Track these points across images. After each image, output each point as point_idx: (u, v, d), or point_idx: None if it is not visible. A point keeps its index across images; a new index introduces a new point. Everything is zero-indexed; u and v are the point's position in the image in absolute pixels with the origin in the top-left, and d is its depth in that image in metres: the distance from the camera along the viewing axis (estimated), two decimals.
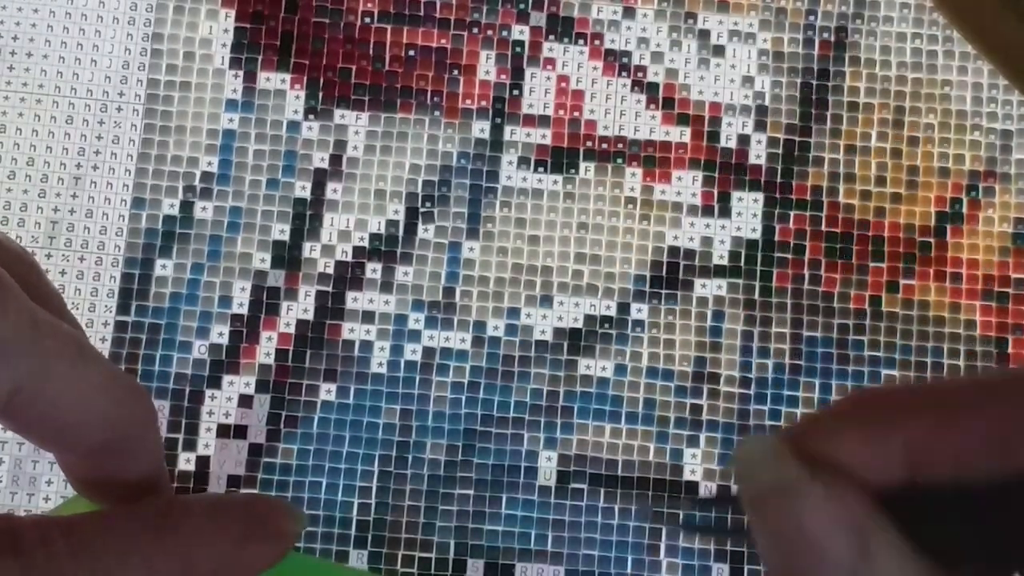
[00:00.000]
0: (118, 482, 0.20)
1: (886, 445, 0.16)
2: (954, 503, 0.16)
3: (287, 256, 0.43)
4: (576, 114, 0.44)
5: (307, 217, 0.43)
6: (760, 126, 0.45)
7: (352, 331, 0.42)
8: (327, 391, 0.42)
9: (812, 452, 0.16)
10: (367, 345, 0.42)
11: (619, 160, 0.44)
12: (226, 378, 0.42)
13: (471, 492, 0.41)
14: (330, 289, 0.43)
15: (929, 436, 0.16)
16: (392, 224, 0.43)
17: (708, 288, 0.44)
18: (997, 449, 0.16)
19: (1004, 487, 0.16)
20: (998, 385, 0.16)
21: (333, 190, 0.43)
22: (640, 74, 0.45)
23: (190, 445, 0.41)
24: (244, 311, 0.42)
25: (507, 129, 0.44)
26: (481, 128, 0.44)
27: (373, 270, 0.43)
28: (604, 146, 0.44)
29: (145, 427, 0.20)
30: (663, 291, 0.43)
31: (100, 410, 0.18)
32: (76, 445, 0.19)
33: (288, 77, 0.44)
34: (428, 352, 0.42)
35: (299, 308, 0.42)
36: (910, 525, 0.16)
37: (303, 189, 0.43)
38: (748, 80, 0.45)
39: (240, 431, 0.41)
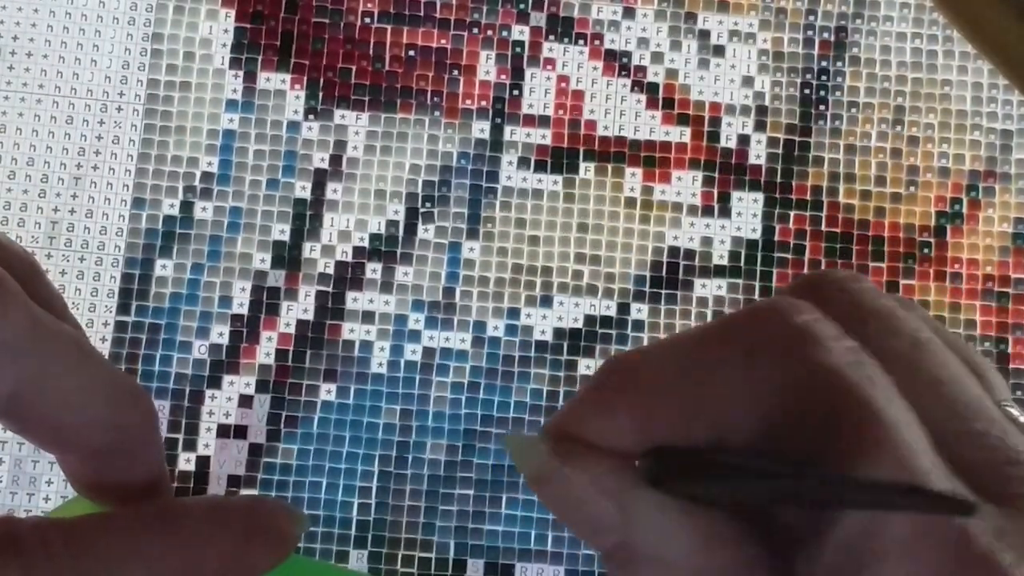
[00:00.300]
0: (119, 483, 0.20)
1: (618, 421, 0.18)
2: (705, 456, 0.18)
3: (287, 256, 0.43)
4: (576, 114, 0.44)
5: (307, 217, 0.43)
6: (760, 126, 0.45)
7: (352, 331, 0.42)
8: (327, 391, 0.42)
9: (566, 435, 0.18)
10: (367, 345, 0.42)
11: (619, 160, 0.44)
12: (226, 378, 0.42)
13: (471, 492, 0.41)
14: (330, 289, 0.43)
15: (644, 412, 0.18)
16: (392, 224, 0.43)
17: (708, 288, 0.44)
18: (689, 422, 0.17)
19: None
20: (676, 352, 0.18)
21: (333, 190, 0.43)
22: (640, 74, 0.45)
23: (190, 445, 0.41)
24: (244, 311, 0.42)
25: (507, 129, 0.44)
26: (481, 128, 0.44)
27: (373, 270, 0.43)
28: (604, 146, 0.44)
29: (146, 429, 0.20)
30: (663, 291, 0.43)
31: (101, 412, 0.18)
32: (77, 447, 0.19)
33: (288, 77, 0.44)
34: (428, 352, 0.42)
35: (299, 308, 0.42)
36: (675, 480, 0.17)
37: (303, 189, 0.43)
38: (748, 80, 0.45)
39: (240, 431, 0.41)
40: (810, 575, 0.16)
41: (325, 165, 0.43)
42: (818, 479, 0.16)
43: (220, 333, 0.42)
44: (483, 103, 0.44)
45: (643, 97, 0.45)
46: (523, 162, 0.44)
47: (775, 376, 0.17)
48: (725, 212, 0.44)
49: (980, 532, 0.15)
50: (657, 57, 0.45)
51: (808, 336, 0.17)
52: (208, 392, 0.42)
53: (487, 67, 0.44)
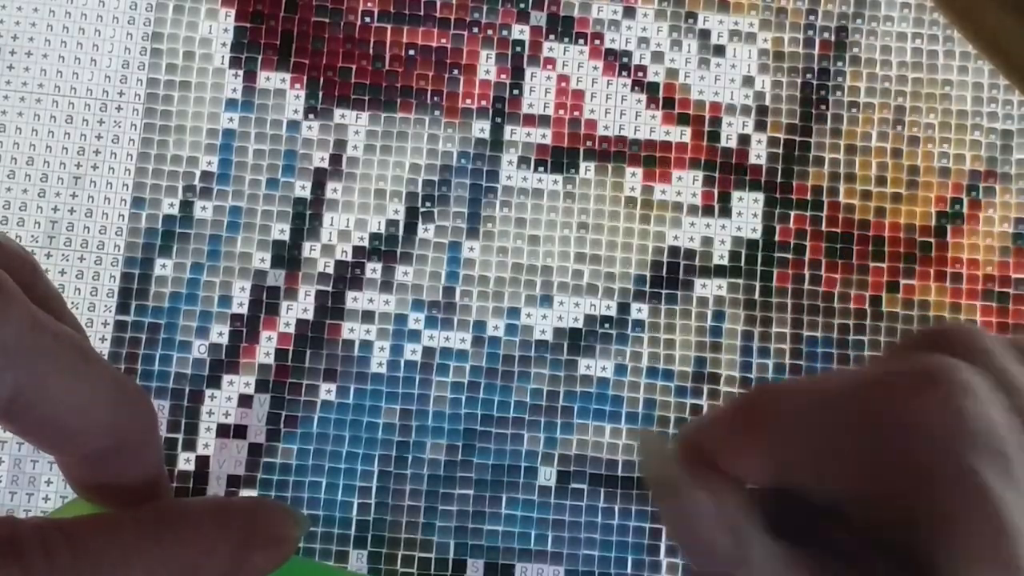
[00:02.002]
0: (118, 485, 0.20)
1: (754, 455, 0.18)
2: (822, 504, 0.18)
3: (287, 256, 0.43)
4: (576, 114, 0.44)
5: (307, 217, 0.43)
6: (760, 126, 0.45)
7: (352, 331, 0.42)
8: (327, 391, 0.42)
9: (696, 454, 0.19)
10: (367, 345, 0.42)
11: (619, 160, 0.44)
12: (226, 378, 0.42)
13: (471, 492, 0.41)
14: (330, 289, 0.43)
15: (782, 449, 0.18)
16: (392, 224, 0.43)
17: (708, 288, 0.44)
18: (813, 467, 0.18)
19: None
20: (829, 395, 0.18)
21: (333, 190, 0.43)
22: (640, 74, 0.45)
23: (190, 445, 0.41)
24: (244, 311, 0.42)
25: (507, 129, 0.44)
26: (481, 128, 0.44)
27: (373, 270, 0.43)
28: (604, 146, 0.44)
29: (146, 431, 0.20)
30: (663, 291, 0.43)
31: (101, 414, 0.18)
32: (77, 449, 0.19)
33: (288, 77, 0.44)
34: (428, 352, 0.42)
35: (299, 308, 0.42)
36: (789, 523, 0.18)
37: (303, 189, 0.43)
38: (748, 80, 0.45)
39: (240, 431, 0.41)
40: None
41: (325, 164, 0.43)
42: None
43: (220, 333, 0.42)
44: (483, 103, 0.44)
45: (643, 97, 0.45)
46: (523, 162, 0.44)
47: (913, 449, 0.16)
48: (725, 212, 0.44)
49: None
50: (657, 57, 0.45)
51: (965, 419, 0.16)
52: (208, 392, 0.42)
53: (487, 67, 0.44)
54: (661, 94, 0.45)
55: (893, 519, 0.17)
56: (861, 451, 0.17)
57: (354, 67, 0.44)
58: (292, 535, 0.20)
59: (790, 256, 0.44)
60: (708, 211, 0.44)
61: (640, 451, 0.19)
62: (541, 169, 0.44)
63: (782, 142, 0.45)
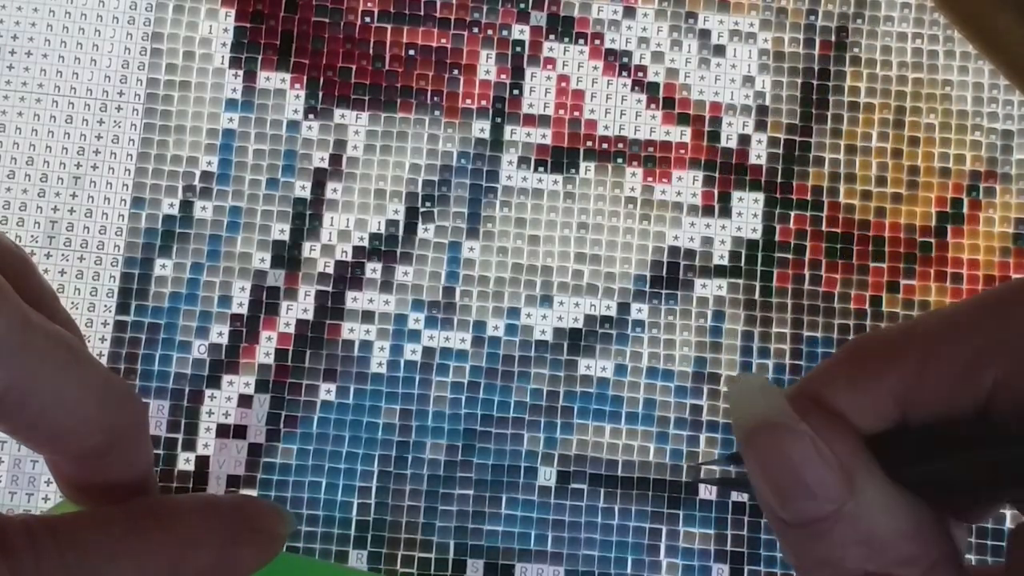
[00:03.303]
0: (107, 485, 0.20)
1: (874, 392, 0.17)
2: (940, 441, 0.17)
3: (287, 256, 0.43)
4: (576, 114, 0.44)
5: (307, 217, 0.43)
6: (760, 126, 0.45)
7: (352, 331, 0.42)
8: (327, 391, 0.42)
9: (807, 398, 0.18)
10: (367, 345, 0.42)
11: (619, 160, 0.44)
12: (226, 378, 0.42)
13: (471, 492, 0.41)
14: (330, 289, 0.43)
15: (911, 379, 0.17)
16: (392, 224, 0.43)
17: (708, 288, 0.44)
18: (965, 380, 0.17)
19: (977, 422, 0.17)
20: (962, 316, 0.18)
21: (333, 190, 0.43)
22: (640, 74, 0.45)
23: (189, 445, 0.41)
24: (244, 311, 0.42)
25: (507, 129, 0.44)
26: (481, 128, 0.44)
27: (373, 270, 0.43)
28: (604, 146, 0.44)
29: (136, 431, 0.19)
30: (663, 291, 0.43)
31: (92, 413, 0.18)
32: (67, 447, 0.19)
33: (288, 77, 0.44)
34: (428, 352, 0.42)
35: (299, 308, 0.42)
36: (898, 465, 0.17)
37: (303, 189, 0.43)
38: (748, 80, 0.45)
39: (240, 431, 0.41)
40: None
41: (325, 164, 0.43)
42: None
43: (220, 333, 0.42)
44: (483, 103, 0.44)
45: (643, 97, 0.45)
46: (523, 162, 0.44)
47: None
48: (725, 212, 0.44)
49: None
50: (657, 57, 0.45)
51: None
52: (207, 392, 0.42)
53: (487, 67, 0.44)
54: (661, 94, 0.45)
55: None
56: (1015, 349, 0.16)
57: (354, 67, 0.44)
58: (279, 532, 0.20)
59: (790, 256, 0.44)
60: (708, 211, 0.44)
61: (736, 392, 0.18)
62: (541, 169, 0.44)
63: (782, 142, 0.45)
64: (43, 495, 0.41)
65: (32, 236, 0.42)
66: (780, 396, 0.18)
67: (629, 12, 0.45)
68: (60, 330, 0.18)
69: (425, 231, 0.43)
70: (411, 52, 0.44)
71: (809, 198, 0.44)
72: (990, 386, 0.17)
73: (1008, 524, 0.42)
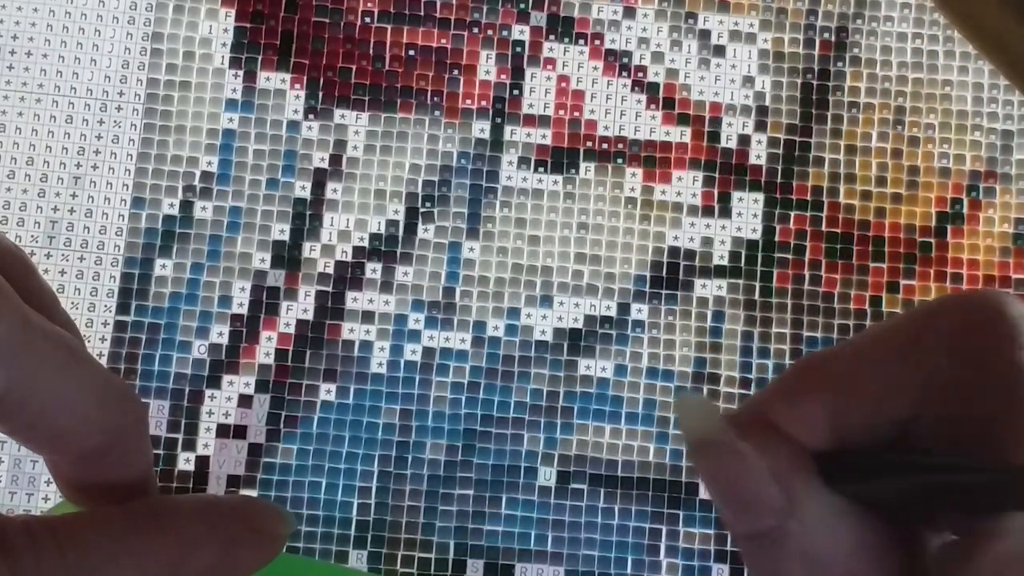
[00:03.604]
0: (106, 487, 0.20)
1: (809, 411, 0.18)
2: (875, 462, 0.18)
3: (287, 256, 0.43)
4: (576, 114, 0.44)
5: (307, 217, 0.43)
6: (760, 126, 0.45)
7: (352, 331, 0.42)
8: (327, 391, 0.42)
9: (754, 414, 0.18)
10: (367, 345, 0.42)
11: (619, 160, 0.44)
12: (226, 378, 0.42)
13: (471, 492, 0.41)
14: (330, 289, 0.43)
15: (837, 401, 0.18)
16: (392, 224, 0.43)
17: (708, 288, 0.44)
18: (880, 408, 0.18)
19: (905, 447, 0.18)
20: (871, 344, 0.18)
21: (333, 190, 0.43)
22: (640, 74, 0.45)
23: (190, 445, 0.41)
24: (244, 311, 0.42)
25: (507, 129, 0.44)
26: (481, 128, 0.44)
27: (373, 270, 0.43)
28: (604, 146, 0.44)
29: (136, 432, 0.19)
30: (663, 291, 0.43)
31: (91, 414, 0.18)
32: (66, 448, 0.19)
33: (288, 77, 0.44)
34: (428, 352, 0.42)
35: (299, 308, 0.42)
36: (844, 483, 0.18)
37: (303, 189, 0.43)
38: (748, 80, 0.45)
39: (240, 431, 0.41)
40: None
41: (325, 165, 0.43)
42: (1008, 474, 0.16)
43: (220, 333, 0.42)
44: (483, 103, 0.44)
45: (643, 97, 0.45)
46: (523, 162, 0.44)
47: (970, 368, 0.17)
48: (725, 212, 0.44)
49: None
50: (657, 57, 0.45)
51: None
52: (208, 392, 0.42)
53: (487, 67, 0.44)
54: (661, 94, 0.45)
55: (968, 437, 0.17)
56: (932, 373, 0.17)
57: (354, 67, 0.44)
58: (280, 532, 0.20)
59: (790, 256, 0.44)
60: (708, 211, 0.44)
61: (680, 411, 0.19)
62: (541, 169, 0.44)
63: (782, 142, 0.45)
64: (43, 495, 0.41)
65: (32, 236, 0.42)
66: (716, 415, 0.18)
67: (629, 12, 0.45)
68: (60, 331, 0.18)
69: (425, 231, 0.43)
70: (411, 52, 0.44)
71: (809, 198, 0.44)
72: (907, 416, 0.17)
73: None
